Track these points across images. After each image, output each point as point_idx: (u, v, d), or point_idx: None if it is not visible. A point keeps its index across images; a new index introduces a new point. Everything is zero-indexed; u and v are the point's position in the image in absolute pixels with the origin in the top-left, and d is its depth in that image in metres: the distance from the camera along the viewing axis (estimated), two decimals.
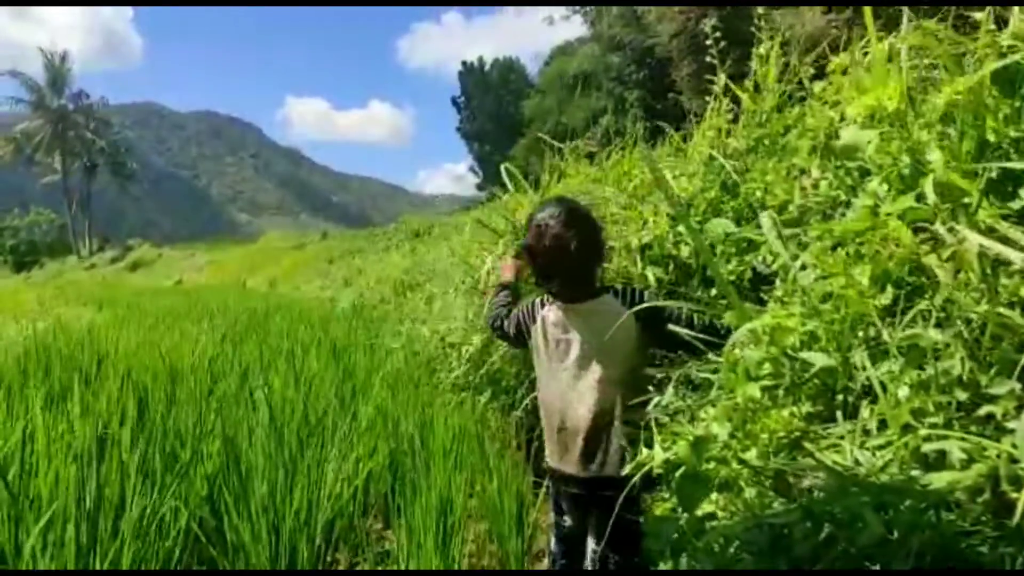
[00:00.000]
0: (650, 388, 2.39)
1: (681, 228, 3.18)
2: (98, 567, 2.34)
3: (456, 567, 2.83)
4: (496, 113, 53.74)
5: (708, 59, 3.86)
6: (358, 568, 3.29)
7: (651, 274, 3.17)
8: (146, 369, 5.32)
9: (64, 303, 16.34)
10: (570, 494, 2.55)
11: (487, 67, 58.68)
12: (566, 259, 2.38)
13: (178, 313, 11.71)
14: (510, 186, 5.28)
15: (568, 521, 2.62)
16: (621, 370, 2.40)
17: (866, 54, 2.65)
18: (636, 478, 1.93)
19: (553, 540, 2.73)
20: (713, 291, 2.97)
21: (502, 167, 5.29)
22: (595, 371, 2.42)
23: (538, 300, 2.62)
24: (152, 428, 3.44)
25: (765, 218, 2.34)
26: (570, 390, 2.45)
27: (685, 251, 3.18)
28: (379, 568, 3.03)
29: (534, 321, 2.58)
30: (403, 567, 2.69)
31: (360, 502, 3.55)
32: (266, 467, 3.09)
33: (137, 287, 29.31)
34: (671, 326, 2.33)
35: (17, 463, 2.78)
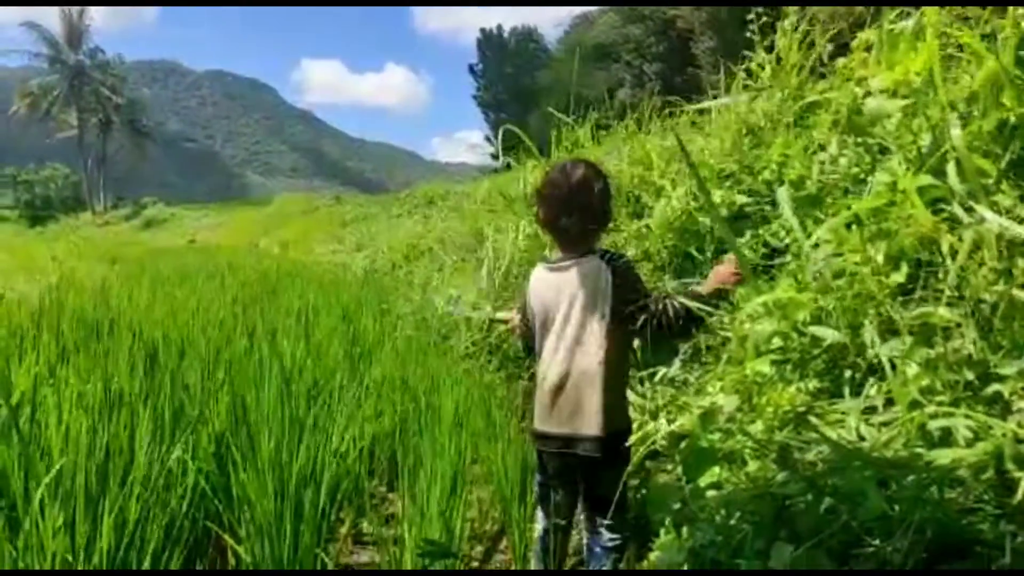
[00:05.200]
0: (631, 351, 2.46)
1: (697, 200, 3.17)
2: (106, 517, 2.37)
3: (458, 532, 2.85)
4: (513, 82, 53.31)
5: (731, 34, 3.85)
6: (361, 528, 3.33)
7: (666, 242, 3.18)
8: (157, 326, 5.36)
9: (77, 259, 16.43)
10: (551, 453, 2.54)
11: (505, 35, 58.18)
12: (587, 198, 2.43)
13: (190, 272, 11.76)
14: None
15: (553, 489, 2.60)
16: (600, 329, 2.40)
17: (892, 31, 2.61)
18: (633, 438, 1.94)
19: (539, 512, 2.72)
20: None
21: (501, 128, 5.27)
22: (577, 328, 2.43)
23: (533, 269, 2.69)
24: (162, 384, 3.47)
25: (782, 192, 2.34)
26: (555, 348, 2.47)
27: (700, 222, 3.17)
28: (383, 528, 3.07)
29: (529, 284, 2.64)
30: (406, 530, 2.72)
31: (365, 464, 3.58)
32: (273, 425, 3.12)
33: (150, 245, 29.44)
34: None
35: (28, 413, 2.81)
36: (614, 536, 2.46)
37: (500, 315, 2.76)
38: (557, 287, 2.48)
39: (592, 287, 2.41)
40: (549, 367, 2.48)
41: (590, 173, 2.46)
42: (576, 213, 2.42)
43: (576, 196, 2.43)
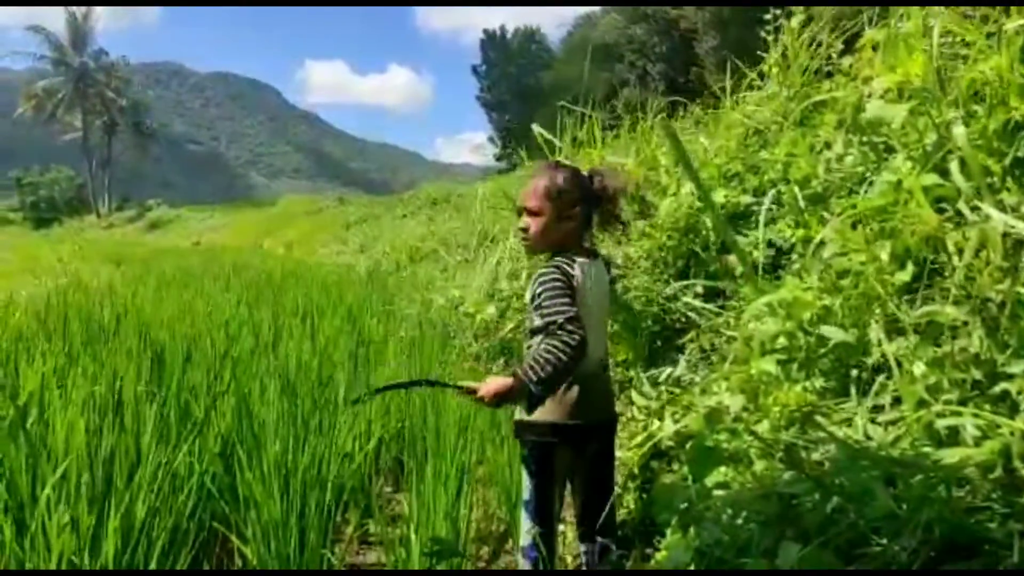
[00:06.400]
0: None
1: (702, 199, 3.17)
2: (112, 517, 2.38)
3: (464, 532, 2.85)
4: (517, 83, 53.36)
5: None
6: (367, 529, 3.33)
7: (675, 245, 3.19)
8: (163, 327, 5.37)
9: (83, 261, 16.47)
10: (566, 448, 2.50)
11: (508, 36, 58.25)
12: (593, 202, 2.53)
13: (195, 273, 11.78)
14: (524, 153, 5.34)
15: (556, 490, 2.54)
16: (606, 322, 2.59)
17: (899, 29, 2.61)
18: (639, 438, 1.94)
19: (530, 519, 2.60)
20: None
21: (534, 126, 5.38)
22: (603, 320, 2.57)
23: (562, 262, 2.53)
24: (168, 385, 3.48)
25: (766, 200, 2.35)
26: (593, 338, 2.45)
27: (704, 221, 3.17)
28: (388, 528, 3.07)
29: (572, 277, 2.50)
30: (412, 530, 2.72)
31: (371, 464, 3.59)
32: (279, 426, 3.12)
33: (155, 247, 29.51)
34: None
35: (36, 413, 2.82)
36: (608, 538, 2.49)
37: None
38: (597, 280, 2.50)
39: (607, 284, 2.55)
40: (589, 357, 2.45)
41: (586, 180, 2.53)
42: (589, 215, 2.52)
43: (587, 199, 2.49)
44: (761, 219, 2.75)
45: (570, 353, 2.18)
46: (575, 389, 2.42)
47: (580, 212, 2.49)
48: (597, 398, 2.46)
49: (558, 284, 2.33)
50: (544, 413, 2.42)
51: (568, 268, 2.41)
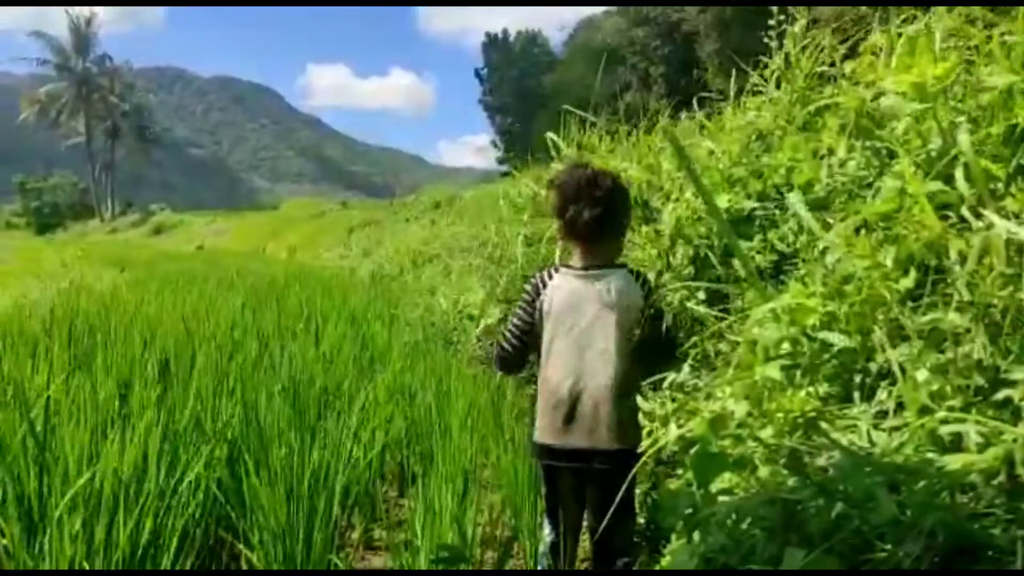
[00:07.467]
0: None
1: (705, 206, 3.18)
2: (123, 528, 2.39)
3: (470, 537, 2.86)
4: (519, 86, 53.43)
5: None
6: (372, 534, 3.34)
7: (680, 251, 3.19)
8: (167, 333, 5.38)
9: (87, 265, 16.50)
10: (564, 468, 2.51)
11: (511, 39, 58.34)
12: (613, 213, 2.46)
13: (199, 278, 11.80)
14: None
15: (562, 502, 2.55)
16: (625, 343, 2.43)
17: (900, 34, 2.62)
18: (644, 443, 1.95)
19: (547, 524, 2.66)
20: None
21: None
22: (603, 341, 2.42)
23: (546, 271, 2.56)
24: (175, 393, 3.49)
25: (793, 197, 2.35)
26: (577, 359, 2.43)
27: (708, 228, 3.18)
28: (393, 532, 3.08)
29: (545, 287, 2.51)
30: (418, 535, 2.73)
31: (376, 469, 3.60)
32: (285, 432, 3.14)
33: (159, 251, 29.56)
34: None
35: (43, 422, 2.84)
36: (623, 546, 2.49)
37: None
38: (586, 295, 2.42)
39: (625, 303, 2.44)
40: (569, 378, 2.42)
41: (614, 183, 2.49)
42: (608, 221, 2.45)
43: (604, 204, 2.44)
44: (789, 219, 2.74)
45: (494, 357, 2.59)
46: (557, 413, 2.44)
47: (561, 224, 2.52)
48: (580, 422, 2.43)
49: (524, 295, 2.55)
50: (537, 433, 2.55)
51: (540, 280, 2.51)
